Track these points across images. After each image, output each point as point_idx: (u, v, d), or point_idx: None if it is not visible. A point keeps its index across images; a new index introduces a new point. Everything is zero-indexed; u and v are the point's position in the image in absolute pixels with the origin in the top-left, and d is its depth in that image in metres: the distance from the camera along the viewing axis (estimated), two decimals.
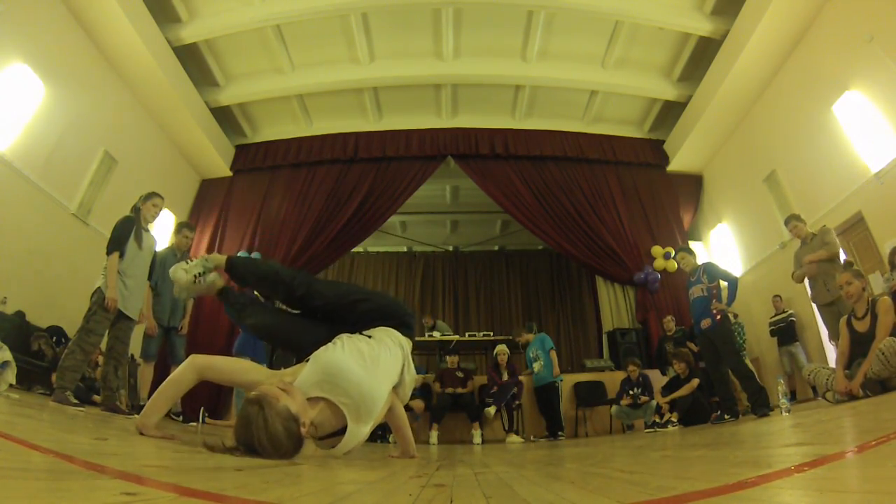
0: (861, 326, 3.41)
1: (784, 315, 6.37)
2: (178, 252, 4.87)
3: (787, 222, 4.88)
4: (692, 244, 8.16)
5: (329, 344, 1.84)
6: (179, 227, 4.99)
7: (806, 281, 4.63)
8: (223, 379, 1.72)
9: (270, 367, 6.57)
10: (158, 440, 1.69)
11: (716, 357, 4.48)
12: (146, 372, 4.57)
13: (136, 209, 4.11)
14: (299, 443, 1.50)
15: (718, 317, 4.39)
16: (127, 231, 3.89)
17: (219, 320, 6.94)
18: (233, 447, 1.43)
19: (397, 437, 2.33)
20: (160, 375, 4.74)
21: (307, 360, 1.73)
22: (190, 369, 1.68)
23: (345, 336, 1.91)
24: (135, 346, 4.67)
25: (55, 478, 0.78)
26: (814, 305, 4.80)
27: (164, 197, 4.30)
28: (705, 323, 4.49)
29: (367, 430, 1.75)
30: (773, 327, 6.47)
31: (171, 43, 6.67)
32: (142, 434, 1.69)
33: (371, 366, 1.80)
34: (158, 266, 4.66)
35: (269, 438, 1.39)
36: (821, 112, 5.83)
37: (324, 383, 1.65)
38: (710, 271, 4.64)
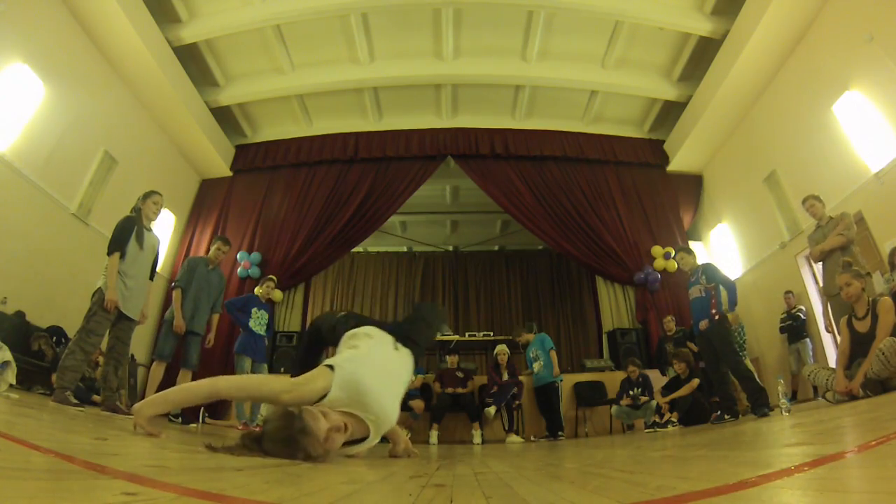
0: (861, 327, 3.41)
1: (794, 311, 6.34)
2: (212, 264, 4.92)
3: (804, 201, 4.79)
4: (692, 244, 8.17)
5: (353, 354, 1.94)
6: (215, 241, 5.12)
7: (810, 278, 4.62)
8: (244, 395, 1.77)
9: (270, 367, 6.60)
10: (156, 440, 1.69)
11: (715, 357, 4.48)
12: (157, 371, 4.56)
13: (136, 209, 4.10)
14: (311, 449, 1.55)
15: (717, 317, 4.39)
16: (128, 231, 3.89)
17: (220, 322, 6.93)
18: (233, 447, 1.46)
19: (388, 434, 2.33)
20: (170, 377, 4.76)
21: (326, 365, 1.80)
22: (209, 388, 1.72)
23: (364, 344, 2.00)
24: (135, 346, 4.68)
25: (55, 478, 0.78)
26: (817, 303, 4.80)
27: (162, 194, 4.29)
28: (703, 324, 4.50)
29: (377, 438, 1.93)
30: (783, 324, 6.43)
31: (171, 43, 6.67)
32: (134, 424, 1.70)
33: (389, 380, 1.95)
34: (190, 269, 4.73)
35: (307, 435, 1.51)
36: (821, 112, 5.83)
37: (354, 403, 1.76)
38: (709, 273, 4.64)
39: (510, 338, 7.07)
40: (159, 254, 4.36)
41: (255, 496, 0.80)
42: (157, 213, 4.23)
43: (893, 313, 3.22)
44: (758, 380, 4.43)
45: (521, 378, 5.97)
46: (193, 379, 4.79)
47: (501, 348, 6.11)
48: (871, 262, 5.28)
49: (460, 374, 6.02)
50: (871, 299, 3.44)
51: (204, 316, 4.75)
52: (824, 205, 4.71)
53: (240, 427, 4.90)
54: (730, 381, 4.57)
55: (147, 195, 4.16)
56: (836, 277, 3.75)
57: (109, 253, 3.79)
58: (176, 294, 4.65)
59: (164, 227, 7.52)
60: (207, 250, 7.90)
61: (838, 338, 3.87)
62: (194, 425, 4.73)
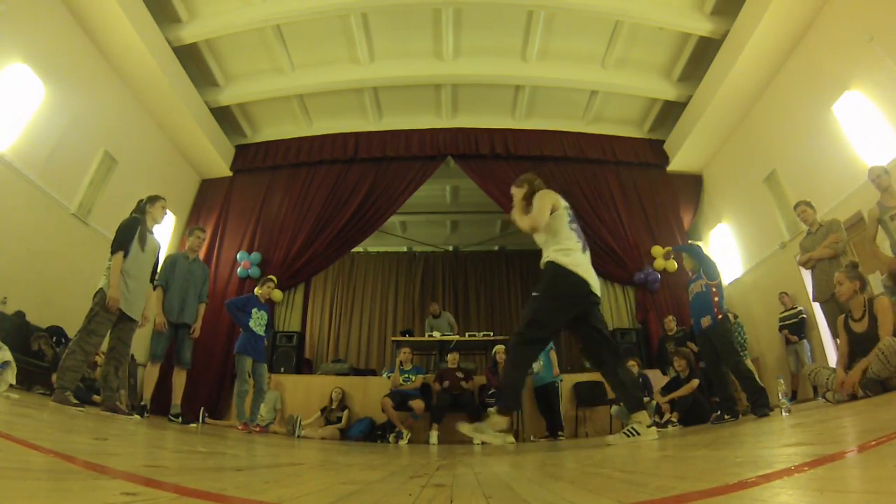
0: (859, 327, 3.40)
1: (793, 311, 6.33)
2: (192, 254, 4.91)
3: (796, 206, 4.80)
4: (692, 244, 8.17)
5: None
6: (190, 231, 5.07)
7: (808, 278, 4.62)
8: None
9: (270, 367, 6.60)
10: (156, 441, 1.69)
11: (715, 357, 4.46)
12: (152, 372, 4.56)
13: (140, 211, 4.11)
14: None
15: (720, 316, 4.36)
16: (132, 231, 3.90)
17: (219, 321, 6.94)
18: None
19: None
20: (166, 377, 4.75)
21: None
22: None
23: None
24: (135, 347, 4.68)
25: (55, 478, 0.78)
26: (817, 304, 4.80)
27: (166, 198, 4.33)
28: (705, 321, 4.45)
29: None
30: (782, 324, 6.40)
31: (171, 43, 6.67)
32: None
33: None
34: (169, 265, 4.74)
35: None
36: (821, 112, 5.83)
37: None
38: (704, 265, 4.60)
39: (510, 338, 7.05)
40: (160, 257, 4.37)
41: (255, 496, 0.80)
42: (163, 217, 4.27)
43: (892, 314, 3.21)
44: (758, 380, 4.42)
45: None
46: (188, 377, 4.81)
47: (499, 348, 6.11)
48: (869, 264, 5.28)
49: (460, 374, 6.02)
50: (867, 299, 3.43)
51: (193, 307, 4.72)
52: (815, 211, 4.72)
53: (240, 427, 4.90)
54: (730, 381, 4.56)
55: (155, 199, 4.17)
56: (834, 276, 3.76)
57: (113, 252, 3.80)
58: (157, 293, 4.60)
59: (164, 227, 7.52)
60: (207, 251, 7.94)
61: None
62: (194, 425, 4.72)
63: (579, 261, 2.74)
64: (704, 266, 4.59)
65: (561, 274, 2.69)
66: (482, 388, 6.00)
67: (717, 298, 4.41)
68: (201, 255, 7.70)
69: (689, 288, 4.80)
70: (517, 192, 3.07)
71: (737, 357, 4.40)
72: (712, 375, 4.57)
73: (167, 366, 4.71)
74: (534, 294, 2.75)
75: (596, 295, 2.75)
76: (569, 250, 2.75)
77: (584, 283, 2.69)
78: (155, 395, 4.55)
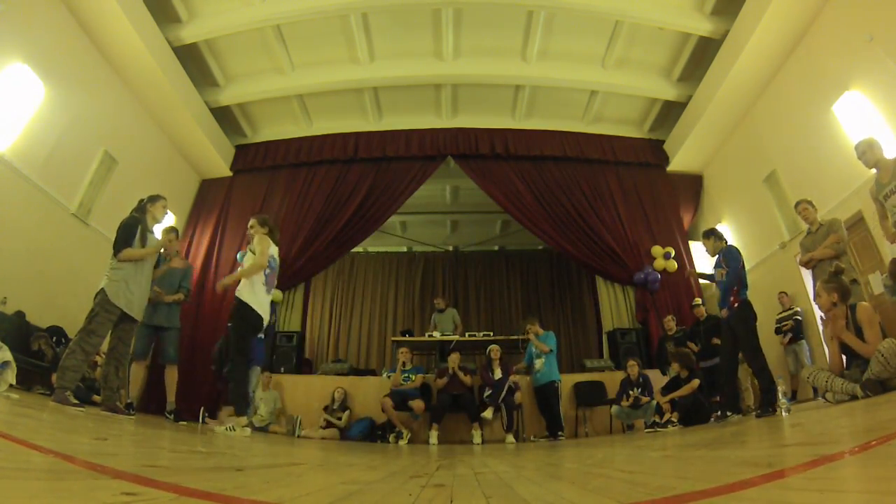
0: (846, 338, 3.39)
1: (790, 312, 6.32)
2: (167, 257, 4.78)
3: (797, 205, 4.73)
4: (692, 244, 8.17)
5: None
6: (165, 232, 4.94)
7: (809, 280, 4.60)
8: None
9: (270, 367, 6.61)
10: (156, 441, 1.69)
11: (734, 348, 4.32)
12: (136, 371, 4.56)
13: (141, 210, 4.10)
14: None
15: (736, 304, 4.23)
16: (134, 230, 3.91)
17: (219, 321, 6.94)
18: None
19: None
20: (155, 376, 4.74)
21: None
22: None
23: None
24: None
25: (55, 478, 0.78)
26: (815, 305, 4.79)
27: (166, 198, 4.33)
28: (723, 313, 4.32)
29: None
30: (779, 325, 6.39)
31: (171, 43, 6.67)
32: None
33: None
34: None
35: None
36: (821, 112, 5.82)
37: None
38: (728, 256, 4.45)
39: (510, 337, 7.09)
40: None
41: (255, 496, 0.80)
42: (164, 216, 4.28)
43: (878, 325, 3.20)
44: (773, 376, 4.28)
45: (514, 378, 5.94)
46: (188, 378, 4.81)
47: (493, 347, 6.08)
48: (870, 263, 5.28)
49: (461, 373, 6.00)
50: (849, 308, 3.41)
51: (163, 308, 4.65)
52: (816, 210, 4.66)
53: None
54: (737, 378, 4.46)
55: (156, 198, 4.17)
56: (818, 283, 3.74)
57: (117, 252, 3.79)
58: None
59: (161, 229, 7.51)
60: (207, 251, 7.94)
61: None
62: (184, 423, 4.72)
63: (261, 299, 3.85)
64: (726, 256, 4.47)
65: (245, 308, 3.78)
66: (481, 388, 5.99)
67: (735, 287, 4.29)
68: (201, 256, 7.71)
69: (714, 271, 4.69)
70: (256, 228, 4.07)
71: (757, 345, 4.25)
72: (725, 366, 4.43)
73: (160, 365, 4.70)
74: (230, 325, 4.14)
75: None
76: (254, 292, 3.83)
77: (259, 318, 3.84)
78: (154, 395, 4.55)
